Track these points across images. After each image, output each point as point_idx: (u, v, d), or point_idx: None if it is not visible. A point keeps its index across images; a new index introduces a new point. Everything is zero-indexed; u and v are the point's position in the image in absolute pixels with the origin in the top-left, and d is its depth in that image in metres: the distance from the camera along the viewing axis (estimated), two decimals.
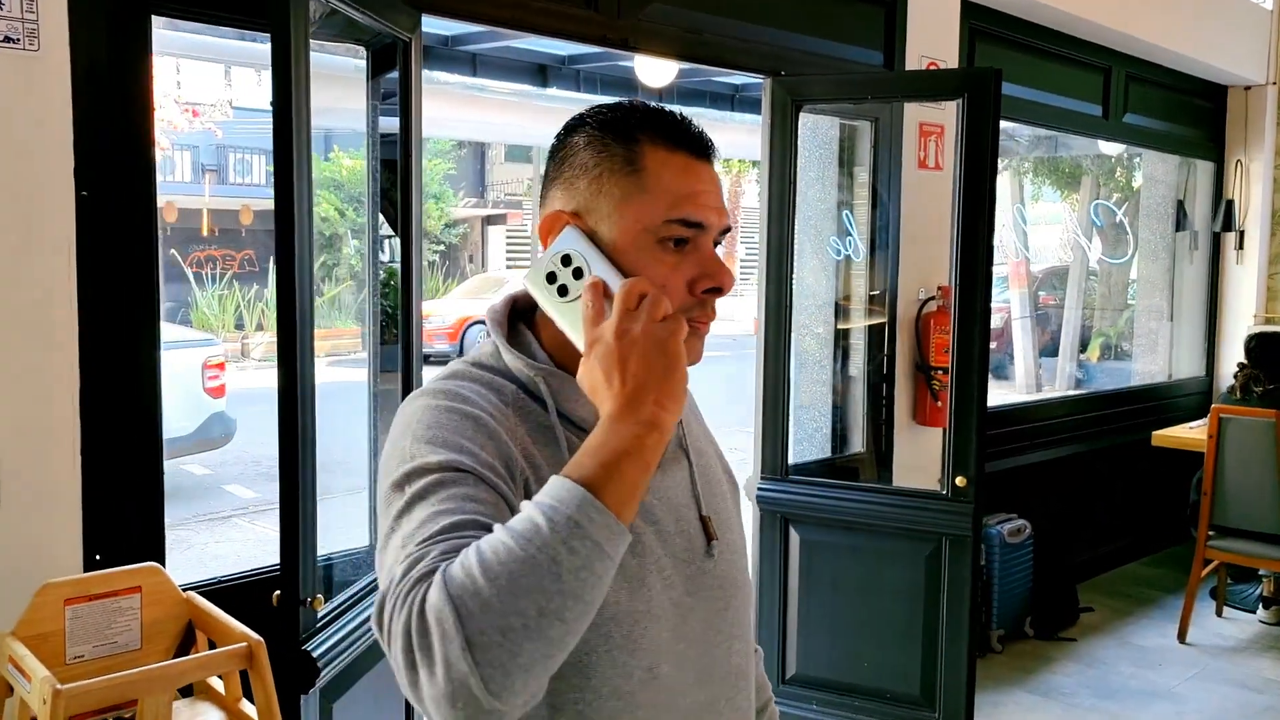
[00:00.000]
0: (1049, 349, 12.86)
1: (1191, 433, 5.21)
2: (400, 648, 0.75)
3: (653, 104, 1.00)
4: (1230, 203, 6.06)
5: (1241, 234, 6.13)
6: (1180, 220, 6.23)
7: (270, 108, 1.92)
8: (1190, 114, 5.97)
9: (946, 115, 4.01)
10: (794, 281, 3.47)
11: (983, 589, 4.20)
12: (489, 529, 0.79)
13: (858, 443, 4.08)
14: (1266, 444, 4.21)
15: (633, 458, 0.81)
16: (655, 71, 4.72)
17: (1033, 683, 4.08)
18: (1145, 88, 5.53)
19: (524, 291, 1.01)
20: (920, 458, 4.01)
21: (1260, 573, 4.74)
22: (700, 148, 0.98)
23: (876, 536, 3.41)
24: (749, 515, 3.55)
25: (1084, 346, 12.33)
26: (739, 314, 23.80)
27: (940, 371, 3.90)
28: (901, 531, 3.37)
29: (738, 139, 11.08)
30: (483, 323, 15.55)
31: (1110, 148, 7.14)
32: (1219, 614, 4.85)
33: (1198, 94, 5.99)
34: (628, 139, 0.96)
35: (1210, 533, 4.48)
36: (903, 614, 3.38)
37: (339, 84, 2.96)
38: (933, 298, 3.98)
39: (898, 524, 3.37)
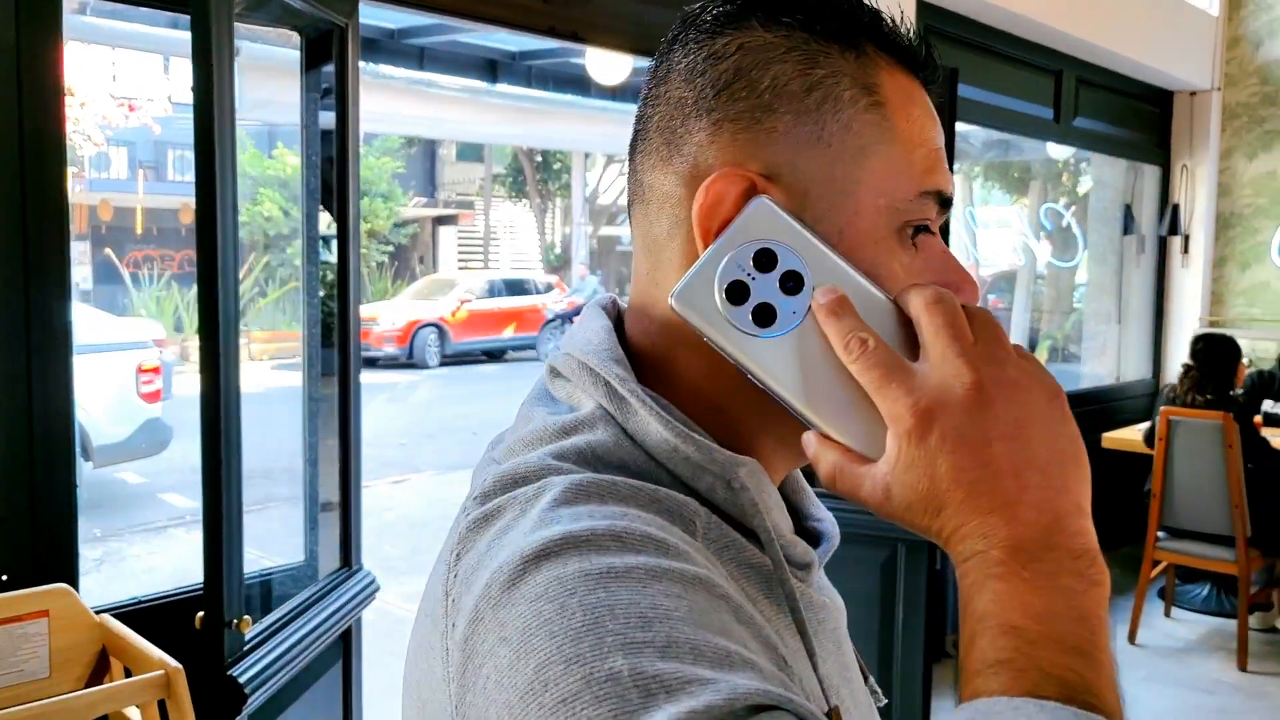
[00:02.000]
0: None
1: (1140, 434, 5.24)
2: None
3: None
4: (1176, 207, 6.11)
5: (1187, 238, 6.18)
6: (1128, 224, 6.27)
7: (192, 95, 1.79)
8: (1138, 119, 6.01)
9: None
10: None
11: (939, 593, 4.15)
12: None
13: None
14: (1215, 445, 4.21)
15: (1097, 635, 0.45)
16: (608, 68, 4.64)
17: None
18: (1095, 92, 5.55)
19: (651, 312, 0.58)
20: None
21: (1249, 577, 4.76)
22: (932, 71, 0.59)
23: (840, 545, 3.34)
24: None
25: (1032, 348, 12.45)
26: None
27: None
28: (857, 538, 3.29)
29: None
30: (436, 326, 15.53)
31: (1059, 151, 7.17)
32: (1167, 614, 4.87)
33: (1145, 99, 6.03)
34: (857, 44, 0.56)
35: (1159, 534, 4.48)
36: (859, 621, 3.31)
37: (282, 76, 2.84)
38: None
39: (853, 530, 3.28)
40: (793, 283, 0.52)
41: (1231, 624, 4.67)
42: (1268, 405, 5.08)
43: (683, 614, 0.43)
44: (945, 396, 0.48)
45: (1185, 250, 6.22)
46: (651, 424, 0.54)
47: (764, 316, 0.52)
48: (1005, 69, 4.86)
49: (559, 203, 25.30)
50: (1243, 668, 4.18)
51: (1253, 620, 4.50)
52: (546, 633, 0.42)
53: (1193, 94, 6.13)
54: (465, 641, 0.46)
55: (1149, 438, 4.81)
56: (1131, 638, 4.52)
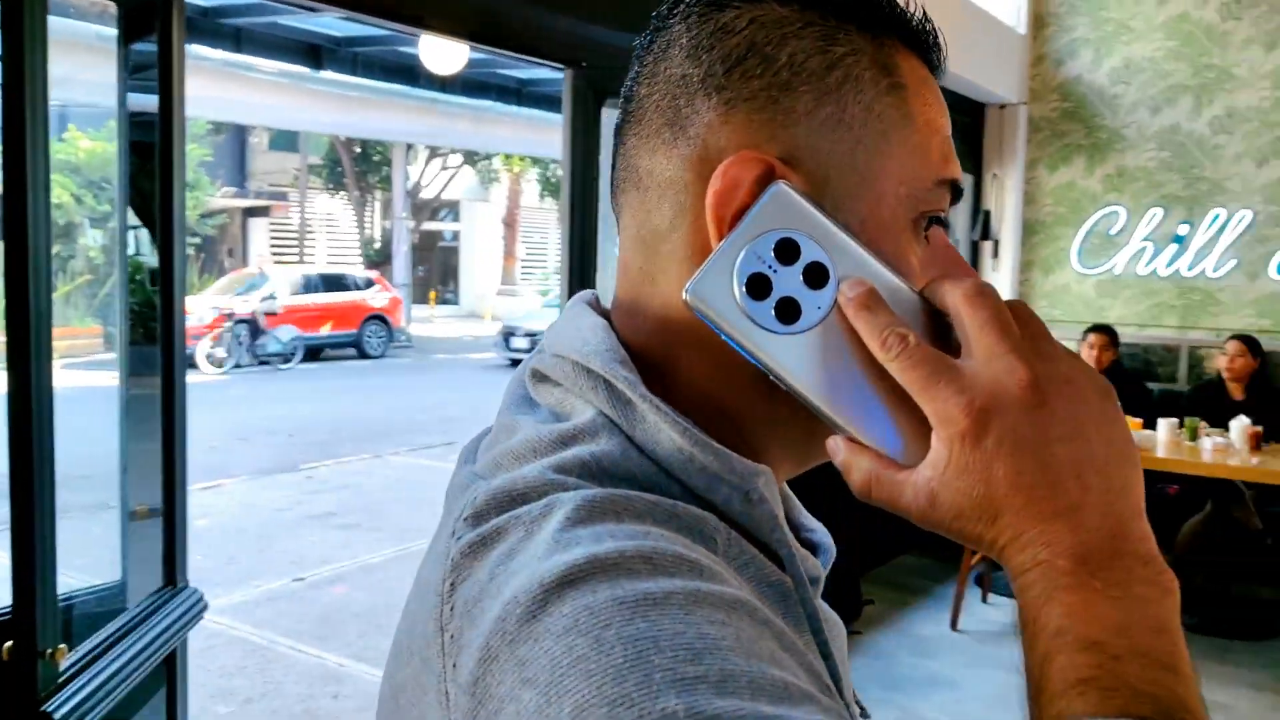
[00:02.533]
0: None
1: None
2: None
3: None
4: (987, 213, 6.46)
5: (997, 243, 6.55)
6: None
7: None
8: (954, 128, 6.29)
9: None
10: (598, 284, 3.35)
11: None
12: None
13: None
14: None
15: (1178, 649, 0.42)
16: (443, 58, 4.48)
17: None
18: None
19: (648, 311, 0.53)
20: None
21: None
22: (940, 56, 0.56)
23: None
24: None
25: None
26: (511, 314, 23.63)
27: None
28: None
29: (524, 135, 10.93)
30: (248, 322, 14.76)
31: None
32: (984, 600, 5.13)
33: (959, 110, 6.35)
34: (878, 28, 0.52)
35: None
36: None
37: (76, 52, 2.59)
38: None
39: None
40: (816, 275, 0.48)
41: None
42: None
43: (731, 643, 0.38)
44: (1000, 395, 0.44)
45: (995, 254, 6.59)
46: (664, 431, 0.48)
47: (787, 312, 0.47)
48: None
49: (379, 196, 24.59)
50: (953, 627, 4.49)
51: None
52: (581, 671, 0.37)
53: (1002, 107, 6.50)
54: (475, 684, 0.40)
55: None
56: (953, 624, 4.73)
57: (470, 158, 22.80)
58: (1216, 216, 5.85)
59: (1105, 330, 5.32)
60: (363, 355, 16.46)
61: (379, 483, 7.76)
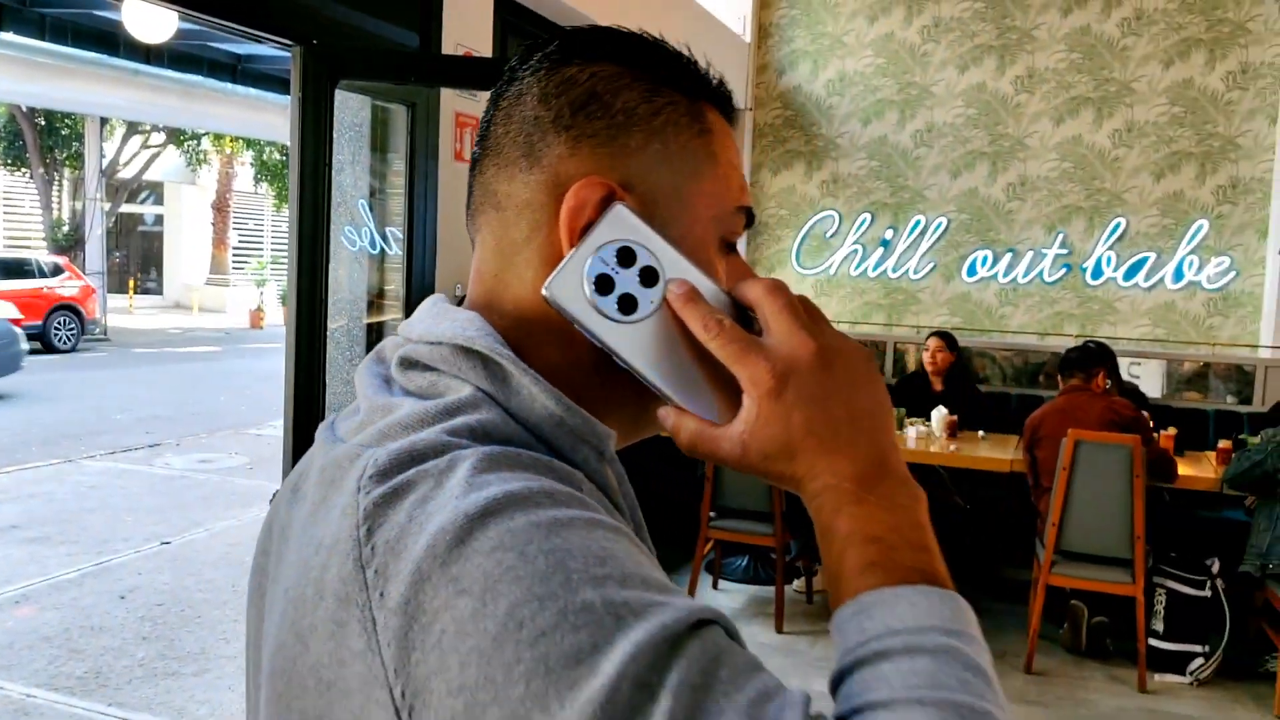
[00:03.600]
0: None
1: None
2: None
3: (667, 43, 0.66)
4: None
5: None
6: None
7: None
8: None
9: (481, 107, 3.93)
10: (329, 275, 3.15)
11: None
12: (809, 698, 0.48)
13: None
14: None
15: (925, 527, 0.57)
16: (149, 24, 4.08)
17: None
18: None
19: (506, 307, 0.62)
20: None
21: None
22: (733, 111, 0.68)
23: None
24: None
25: None
26: (230, 304, 22.16)
27: None
28: None
29: (242, 114, 10.20)
30: None
31: None
32: (715, 586, 5.32)
33: None
34: (691, 90, 0.64)
35: (711, 514, 4.88)
36: None
37: None
38: None
39: None
40: (649, 276, 0.59)
41: (766, 590, 5.23)
42: None
43: (622, 554, 0.49)
44: (795, 362, 0.56)
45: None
46: (539, 399, 0.58)
47: (627, 305, 0.58)
48: None
49: (68, 174, 22.27)
50: (779, 630, 4.68)
51: (792, 587, 5.07)
52: (511, 578, 0.46)
53: None
54: (406, 604, 0.47)
55: None
56: None
57: (177, 137, 21.10)
58: (918, 223, 6.38)
59: (943, 335, 5.57)
60: (50, 349, 14.84)
61: (71, 490, 7.00)
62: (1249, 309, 5.85)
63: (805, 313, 0.58)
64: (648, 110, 0.62)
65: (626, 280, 0.58)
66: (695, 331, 0.57)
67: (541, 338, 0.62)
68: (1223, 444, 4.77)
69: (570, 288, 0.58)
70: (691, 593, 4.88)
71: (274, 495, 0.68)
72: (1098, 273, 6.10)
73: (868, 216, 6.58)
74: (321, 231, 3.06)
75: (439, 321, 0.61)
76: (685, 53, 0.66)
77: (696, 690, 0.45)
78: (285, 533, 0.60)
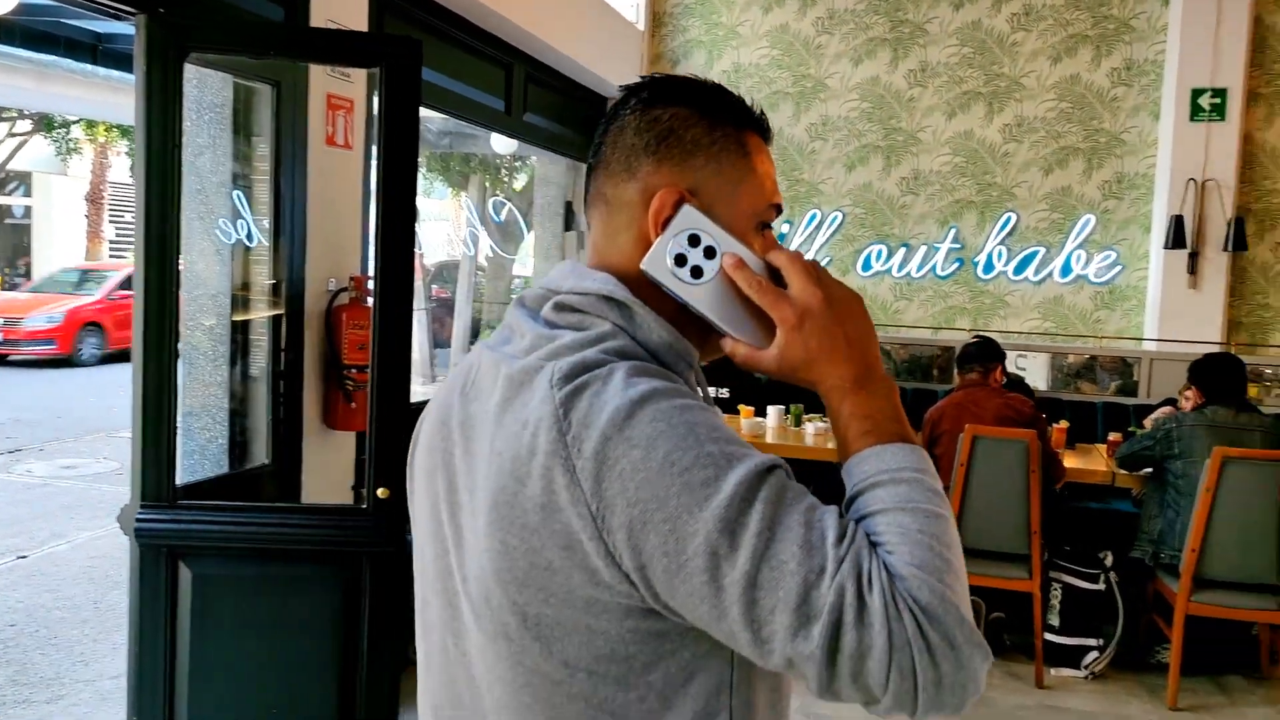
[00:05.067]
0: (443, 340, 13.23)
1: None
2: (916, 651, 0.74)
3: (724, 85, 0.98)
4: None
5: None
6: (569, 220, 6.59)
7: None
8: (578, 120, 6.33)
9: (356, 89, 3.68)
10: (181, 267, 2.86)
11: (401, 600, 3.94)
12: (841, 514, 0.81)
13: (262, 454, 3.57)
14: None
15: (900, 410, 0.88)
16: None
17: None
18: (543, 89, 5.71)
19: (621, 272, 0.93)
20: (333, 467, 3.63)
21: None
22: (769, 135, 0.99)
23: (288, 563, 2.96)
24: (127, 551, 2.89)
25: (475, 336, 12.88)
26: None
27: (355, 370, 3.56)
28: (318, 554, 2.96)
29: (104, 98, 9.58)
30: None
31: (502, 146, 7.35)
32: None
33: (585, 101, 6.37)
34: (738, 124, 0.95)
35: None
36: (320, 647, 2.98)
37: None
38: (345, 289, 3.61)
39: (313, 546, 2.95)
40: (710, 252, 0.89)
41: None
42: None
43: (721, 425, 0.82)
44: (809, 305, 0.87)
45: None
46: (656, 330, 0.89)
47: (696, 273, 0.89)
48: (461, 56, 4.78)
49: None
50: None
51: None
52: (664, 437, 0.78)
53: None
54: (596, 454, 0.78)
55: None
56: None
57: (46, 124, 19.96)
58: (814, 216, 6.31)
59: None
60: None
61: None
62: (1134, 302, 5.95)
63: (815, 272, 0.89)
64: (708, 141, 0.92)
65: (695, 256, 0.89)
66: (742, 287, 0.89)
67: (646, 293, 0.90)
68: (1113, 436, 4.81)
69: (658, 262, 0.89)
70: None
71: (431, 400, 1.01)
72: (989, 267, 6.13)
73: None
74: (173, 213, 2.78)
75: (583, 279, 0.91)
76: (735, 93, 0.96)
77: (774, 503, 0.77)
78: (469, 421, 0.90)
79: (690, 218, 0.89)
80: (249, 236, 3.54)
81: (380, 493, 2.93)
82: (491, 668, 0.87)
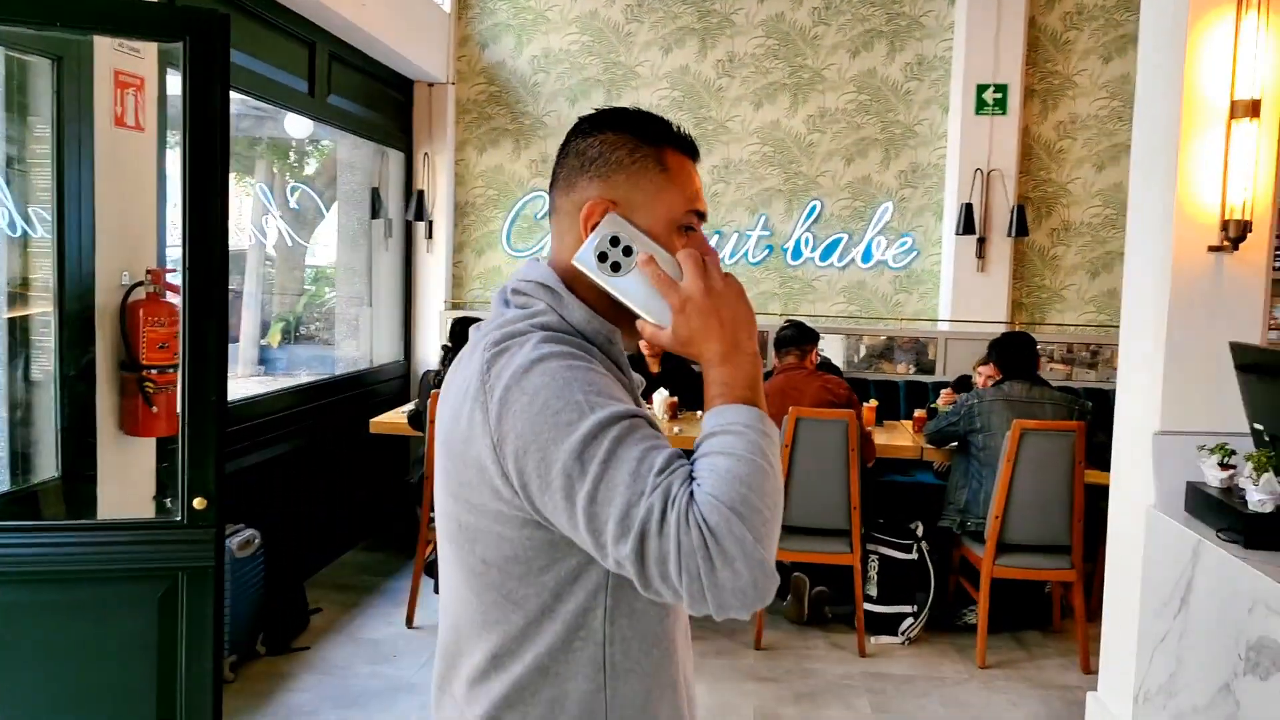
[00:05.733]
0: (233, 335, 12.51)
1: (404, 417, 5.32)
2: (700, 558, 0.94)
3: (653, 112, 1.21)
4: (421, 193, 6.33)
5: (431, 224, 6.46)
6: (376, 207, 6.33)
7: None
8: (385, 103, 6.08)
9: (146, 65, 3.38)
10: None
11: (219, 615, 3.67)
12: (684, 457, 1.01)
13: (50, 466, 3.23)
14: None
15: (758, 379, 1.08)
16: None
17: (272, 707, 3.71)
18: (347, 71, 5.45)
19: (561, 266, 1.19)
20: (133, 477, 3.34)
21: None
22: (697, 152, 1.21)
23: (91, 586, 2.69)
24: None
25: (264, 330, 12.24)
26: None
27: (155, 371, 3.28)
28: (125, 574, 2.71)
29: None
30: None
31: (298, 128, 6.98)
32: (436, 590, 5.00)
33: (391, 85, 6.13)
34: (656, 144, 1.17)
35: (432, 514, 4.56)
36: (134, 671, 2.73)
37: None
38: (141, 283, 3.31)
39: (119, 566, 2.70)
40: (628, 251, 1.12)
41: None
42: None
43: (601, 382, 1.05)
44: (692, 293, 1.09)
45: (430, 235, 6.49)
46: (577, 310, 1.16)
47: (616, 268, 1.12)
48: (261, 32, 4.48)
49: None
50: (409, 625, 4.48)
51: None
52: (547, 388, 1.03)
53: (431, 85, 6.40)
54: (501, 399, 1.04)
55: (415, 420, 4.88)
56: (409, 621, 4.54)
57: None
58: None
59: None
60: None
61: None
62: (929, 285, 6.28)
63: (705, 266, 1.10)
64: (629, 160, 1.16)
65: (615, 253, 1.12)
66: (649, 279, 1.11)
67: (577, 281, 1.17)
68: (918, 413, 5.07)
69: (586, 257, 1.12)
70: (413, 602, 4.55)
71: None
72: (797, 253, 6.32)
73: None
74: None
75: (531, 271, 1.19)
76: (664, 119, 1.19)
77: (618, 440, 1.00)
78: (449, 381, 1.16)
79: (612, 223, 1.12)
80: (12, 226, 3.18)
81: (197, 503, 2.72)
82: (449, 564, 1.16)
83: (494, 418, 1.03)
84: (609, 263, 1.11)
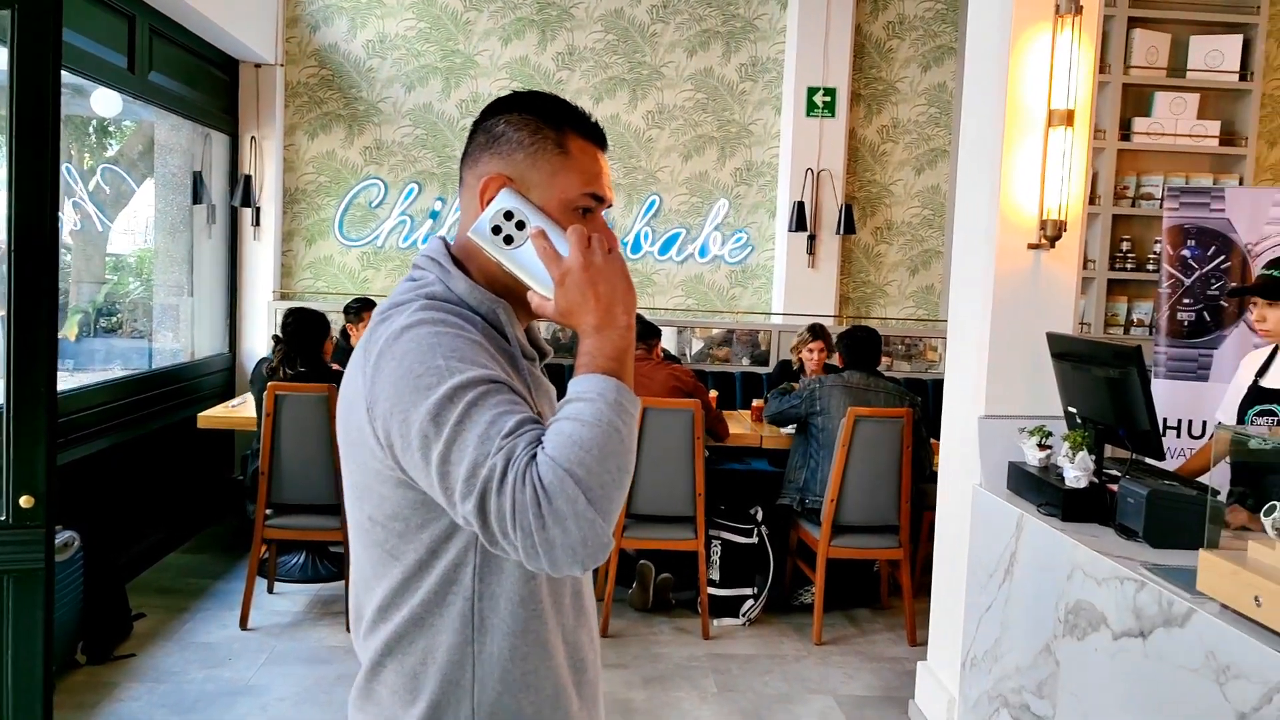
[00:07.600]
0: None
1: (235, 411, 5.09)
2: (531, 515, 0.98)
3: (566, 100, 1.25)
4: (248, 178, 6.07)
5: (259, 210, 6.20)
6: (198, 192, 6.02)
7: None
8: (209, 84, 5.79)
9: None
10: None
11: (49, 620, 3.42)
12: (539, 423, 1.06)
13: None
14: (319, 418, 4.28)
15: (626, 352, 1.11)
16: None
17: (101, 717, 3.50)
18: (169, 47, 5.16)
19: (455, 240, 1.26)
20: None
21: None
22: (604, 140, 1.25)
23: None
24: None
25: (61, 322, 11.44)
26: None
27: None
28: None
29: None
30: None
31: (105, 106, 6.54)
32: (271, 590, 4.83)
33: (216, 64, 5.84)
34: (558, 127, 1.21)
35: (268, 511, 4.40)
36: None
37: None
38: None
39: None
40: (521, 225, 1.15)
41: (330, 588, 4.87)
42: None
43: (467, 349, 1.09)
44: (573, 269, 1.12)
45: (257, 223, 6.23)
46: (460, 282, 1.21)
47: (509, 240, 1.15)
48: (79, 2, 4.19)
49: None
50: (243, 626, 4.34)
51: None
52: (413, 353, 1.09)
53: (258, 66, 6.14)
54: (375, 363, 1.11)
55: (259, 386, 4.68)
56: (244, 623, 4.36)
57: None
58: None
59: (822, 334, 5.30)
60: None
61: None
62: (763, 280, 6.51)
63: (588, 243, 1.12)
64: (529, 141, 1.20)
65: (508, 227, 1.15)
66: (536, 253, 1.14)
67: (474, 255, 1.21)
68: (756, 403, 5.25)
69: (481, 231, 1.16)
70: (247, 603, 4.38)
71: None
72: (637, 247, 6.42)
73: (415, 186, 6.34)
74: None
75: (429, 247, 1.26)
76: (572, 104, 1.23)
77: (471, 404, 1.04)
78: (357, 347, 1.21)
79: (506, 198, 1.15)
80: None
81: (23, 501, 2.53)
82: (349, 518, 1.23)
83: (369, 381, 1.10)
84: (502, 235, 1.14)
